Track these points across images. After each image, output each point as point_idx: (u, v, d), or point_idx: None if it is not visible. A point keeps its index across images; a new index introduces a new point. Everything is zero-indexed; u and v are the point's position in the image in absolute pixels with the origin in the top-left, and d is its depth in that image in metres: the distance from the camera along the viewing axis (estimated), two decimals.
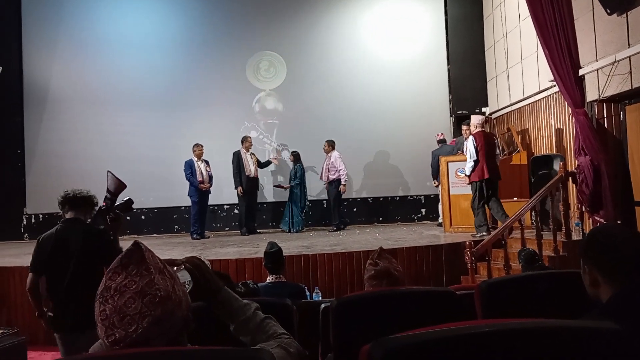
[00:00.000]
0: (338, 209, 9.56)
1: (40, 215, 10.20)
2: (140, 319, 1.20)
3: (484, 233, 7.11)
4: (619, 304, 1.49)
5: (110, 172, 3.60)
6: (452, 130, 10.54)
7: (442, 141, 9.51)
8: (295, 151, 9.69)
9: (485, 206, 7.39)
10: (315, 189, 10.29)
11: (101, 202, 3.69)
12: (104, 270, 1.28)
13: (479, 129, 7.47)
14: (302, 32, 10.70)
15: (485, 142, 7.29)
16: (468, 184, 7.51)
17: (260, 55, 10.65)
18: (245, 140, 9.49)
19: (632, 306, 1.47)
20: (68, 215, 3.71)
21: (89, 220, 3.74)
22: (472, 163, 7.22)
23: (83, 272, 3.46)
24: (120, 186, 3.57)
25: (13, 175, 10.20)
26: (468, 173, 7.35)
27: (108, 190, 3.57)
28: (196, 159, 9.07)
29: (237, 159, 9.32)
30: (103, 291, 1.24)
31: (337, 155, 9.43)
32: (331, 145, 9.55)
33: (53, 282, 3.56)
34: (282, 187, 9.93)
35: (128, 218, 3.78)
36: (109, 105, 10.32)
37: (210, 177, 9.19)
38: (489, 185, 7.27)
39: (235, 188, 9.28)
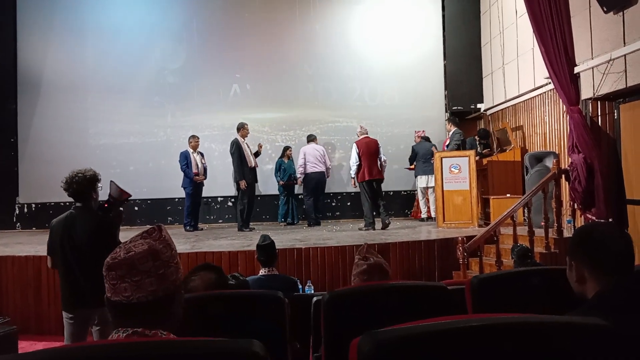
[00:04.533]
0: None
1: (33, 205, 10.17)
2: (146, 277, 1.31)
3: (370, 228, 8.21)
4: (605, 301, 1.51)
5: (114, 182, 3.80)
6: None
7: (425, 138, 9.57)
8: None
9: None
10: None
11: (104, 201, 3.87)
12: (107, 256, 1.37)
13: (361, 137, 8.36)
14: (292, 23, 10.68)
15: (367, 149, 8.17)
16: (353, 185, 8.58)
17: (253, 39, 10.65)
18: (242, 127, 8.81)
19: (617, 303, 1.49)
20: (77, 203, 3.83)
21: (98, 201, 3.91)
22: (355, 167, 8.22)
23: (90, 257, 3.64)
24: (122, 194, 3.79)
25: (6, 164, 10.15)
26: (353, 175, 8.36)
27: (110, 196, 3.78)
28: (192, 150, 8.98)
29: (238, 150, 8.56)
30: (116, 249, 1.35)
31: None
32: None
33: (65, 265, 3.74)
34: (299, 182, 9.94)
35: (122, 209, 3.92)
36: (104, 93, 10.29)
37: (205, 169, 9.14)
38: (371, 185, 8.19)
39: (238, 181, 8.60)
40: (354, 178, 8.40)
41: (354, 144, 8.34)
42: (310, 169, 9.33)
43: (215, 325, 2.03)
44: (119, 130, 10.31)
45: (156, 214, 10.15)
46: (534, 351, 0.99)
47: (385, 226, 8.11)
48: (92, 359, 1.06)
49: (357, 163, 8.20)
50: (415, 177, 9.53)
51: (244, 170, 8.56)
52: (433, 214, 9.11)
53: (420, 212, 9.61)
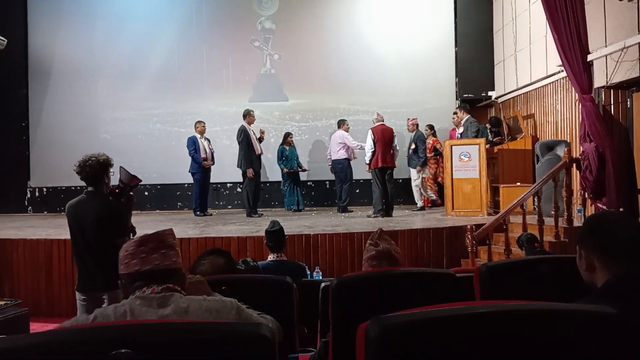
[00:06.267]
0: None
1: (44, 189, 10.26)
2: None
3: (378, 215, 8.24)
4: (614, 289, 1.50)
5: (123, 168, 3.82)
6: None
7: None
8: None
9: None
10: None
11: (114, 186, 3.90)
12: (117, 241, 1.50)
13: (377, 124, 8.38)
14: (301, 10, 10.61)
15: (382, 136, 8.20)
16: (367, 170, 8.58)
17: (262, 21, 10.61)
18: (248, 114, 8.77)
19: (627, 291, 1.48)
20: (88, 188, 3.87)
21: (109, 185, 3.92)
22: (370, 153, 8.24)
23: (100, 241, 3.71)
24: (132, 179, 3.80)
25: (17, 148, 10.24)
26: (367, 162, 8.38)
27: (121, 181, 3.80)
28: (199, 135, 9.01)
29: (246, 137, 8.52)
30: (134, 237, 1.75)
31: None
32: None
33: (76, 248, 3.85)
34: (304, 169, 9.96)
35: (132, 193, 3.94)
36: (114, 79, 10.33)
37: (213, 155, 9.16)
38: (383, 173, 8.27)
39: (246, 169, 8.51)
40: (368, 164, 8.41)
41: (370, 130, 8.34)
42: (333, 157, 9.39)
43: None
44: (129, 116, 10.36)
45: (166, 199, 10.22)
46: (541, 338, 0.99)
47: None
48: (101, 339, 1.08)
49: (372, 149, 8.22)
50: (417, 167, 9.25)
51: (252, 157, 8.55)
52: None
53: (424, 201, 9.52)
